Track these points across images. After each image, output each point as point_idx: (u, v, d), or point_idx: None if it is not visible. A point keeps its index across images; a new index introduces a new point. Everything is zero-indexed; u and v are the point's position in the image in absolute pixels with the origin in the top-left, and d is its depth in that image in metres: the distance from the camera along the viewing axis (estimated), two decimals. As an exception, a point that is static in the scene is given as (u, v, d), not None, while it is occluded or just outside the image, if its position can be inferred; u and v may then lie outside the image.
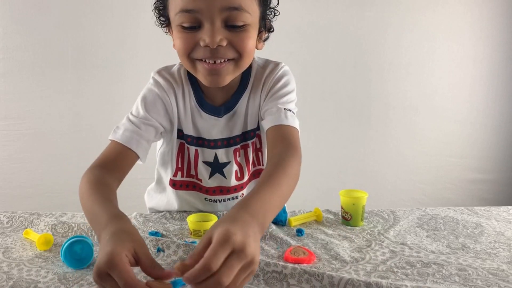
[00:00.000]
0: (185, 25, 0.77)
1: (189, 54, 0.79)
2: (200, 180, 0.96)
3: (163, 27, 0.88)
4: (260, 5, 0.81)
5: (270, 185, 0.67)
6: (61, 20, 1.99)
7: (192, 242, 0.79)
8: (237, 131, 0.94)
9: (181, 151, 0.95)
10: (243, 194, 0.99)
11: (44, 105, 2.03)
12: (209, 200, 0.99)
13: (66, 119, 2.06)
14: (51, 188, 2.08)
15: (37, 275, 0.70)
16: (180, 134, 0.94)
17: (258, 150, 0.98)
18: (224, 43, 0.76)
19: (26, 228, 0.88)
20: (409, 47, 2.28)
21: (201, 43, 0.76)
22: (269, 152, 0.83)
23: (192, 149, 0.94)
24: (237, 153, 0.95)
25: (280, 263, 0.70)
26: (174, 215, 0.97)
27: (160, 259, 0.75)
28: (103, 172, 0.79)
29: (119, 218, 0.64)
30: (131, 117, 0.88)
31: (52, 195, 2.08)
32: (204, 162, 0.94)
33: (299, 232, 0.88)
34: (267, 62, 0.95)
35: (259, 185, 0.67)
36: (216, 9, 0.74)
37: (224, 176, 0.96)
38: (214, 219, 0.87)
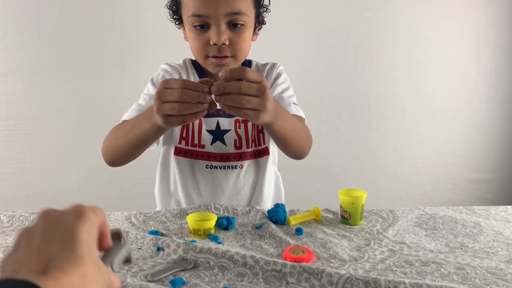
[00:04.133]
0: (196, 24, 0.94)
1: (202, 52, 0.98)
2: (203, 146, 1.07)
3: (176, 24, 1.05)
4: (255, 7, 1.00)
5: (294, 117, 0.95)
6: (61, 20, 1.99)
7: (192, 241, 0.79)
8: None
9: None
10: (242, 165, 1.09)
11: (44, 105, 2.03)
12: (209, 167, 1.07)
13: (66, 119, 2.06)
14: (51, 188, 2.09)
15: (37, 274, 0.70)
16: None
17: (259, 132, 1.09)
18: (227, 42, 0.94)
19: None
20: (409, 47, 2.28)
21: (211, 42, 0.94)
22: None
23: None
24: (238, 124, 1.06)
25: (280, 261, 0.70)
26: (174, 213, 0.97)
27: (160, 258, 0.76)
28: None
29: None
30: (140, 99, 1.03)
31: (53, 195, 2.08)
32: (207, 130, 1.06)
33: (298, 231, 0.88)
34: (265, 62, 1.13)
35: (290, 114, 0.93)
36: (221, 14, 0.92)
37: (224, 143, 1.07)
38: (213, 218, 0.87)
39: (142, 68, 2.02)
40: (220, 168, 1.07)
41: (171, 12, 1.03)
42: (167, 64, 1.10)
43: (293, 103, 1.05)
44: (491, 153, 2.46)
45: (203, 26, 0.94)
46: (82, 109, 2.06)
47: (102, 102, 2.05)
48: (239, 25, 0.95)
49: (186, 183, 1.09)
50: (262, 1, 1.03)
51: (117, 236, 0.51)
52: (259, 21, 1.06)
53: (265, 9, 1.06)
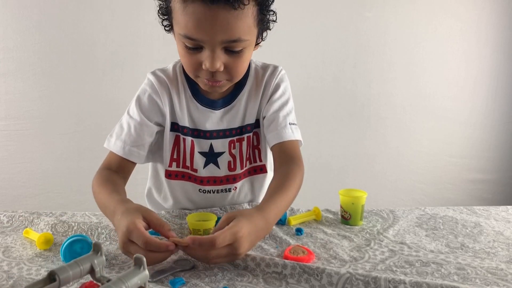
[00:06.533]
0: (189, 45, 0.82)
1: (193, 71, 0.87)
2: (195, 171, 1.00)
3: (165, 29, 0.91)
4: (257, 25, 0.85)
5: (281, 193, 0.82)
6: (61, 20, 1.99)
7: (192, 241, 0.79)
8: (234, 124, 0.99)
9: (176, 143, 1.00)
10: (236, 187, 1.03)
11: (44, 105, 2.03)
12: (203, 191, 1.02)
13: (66, 119, 2.06)
14: (51, 188, 2.09)
15: (37, 274, 0.70)
16: (175, 127, 0.99)
17: (255, 148, 1.02)
18: (222, 68, 0.83)
19: (26, 227, 0.88)
20: (409, 47, 2.28)
21: (203, 66, 0.83)
22: (277, 167, 0.94)
23: (188, 140, 0.98)
24: (232, 144, 1.00)
25: (280, 262, 0.70)
26: (174, 214, 0.97)
27: (159, 258, 0.76)
28: (110, 172, 0.92)
29: (124, 201, 0.77)
30: (124, 122, 0.96)
31: (53, 195, 2.08)
32: (199, 152, 0.99)
33: (299, 231, 0.88)
34: (265, 64, 1.02)
35: (273, 192, 0.82)
36: (217, 42, 0.79)
37: (218, 166, 1.00)
38: (213, 218, 0.87)
39: (142, 68, 2.01)
40: (214, 192, 1.02)
41: (160, 15, 0.89)
42: (154, 75, 0.97)
43: (289, 123, 0.96)
44: (491, 153, 2.46)
45: (196, 48, 0.82)
46: (82, 109, 2.06)
47: (102, 102, 2.05)
48: (236, 52, 0.83)
49: (180, 204, 1.04)
50: (267, 18, 0.87)
51: (139, 261, 0.52)
52: (262, 36, 0.92)
53: (269, 24, 0.90)
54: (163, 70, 0.99)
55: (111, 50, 2.04)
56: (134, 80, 2.01)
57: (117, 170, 0.93)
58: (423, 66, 2.31)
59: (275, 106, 0.97)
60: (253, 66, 1.01)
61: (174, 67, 0.99)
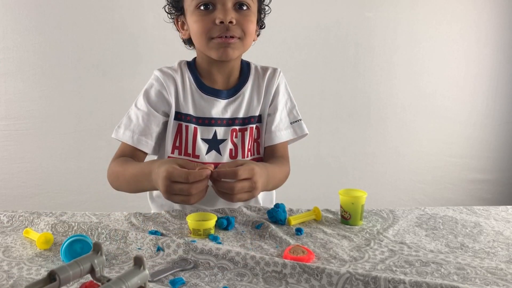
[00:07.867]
0: (201, 4, 0.93)
1: (206, 33, 0.95)
2: (197, 157, 1.04)
3: (174, 17, 1.02)
4: (258, 0, 0.99)
5: (276, 167, 1.00)
6: (61, 20, 1.99)
7: (192, 241, 0.79)
8: (238, 115, 1.05)
9: (179, 131, 1.04)
10: None
11: (44, 105, 2.03)
12: None
13: (66, 119, 2.06)
14: (52, 188, 2.09)
15: (37, 274, 0.70)
16: (178, 116, 1.03)
17: (255, 141, 1.08)
18: (234, 21, 0.93)
19: (26, 227, 0.88)
20: (409, 47, 2.28)
21: (217, 21, 0.92)
22: (267, 159, 1.07)
23: (191, 127, 1.03)
24: (234, 133, 1.05)
25: (280, 262, 0.70)
26: (174, 214, 0.97)
27: (160, 258, 0.76)
28: (125, 157, 0.99)
29: (156, 160, 0.86)
30: (132, 114, 1.02)
31: (53, 195, 2.08)
32: (202, 139, 1.04)
33: (298, 231, 0.88)
34: (264, 66, 1.10)
35: (272, 164, 1.00)
36: None
37: (219, 153, 1.05)
38: (213, 218, 0.87)
39: (142, 68, 2.02)
40: None
41: (170, 4, 1.01)
42: (160, 70, 1.04)
43: (291, 122, 1.08)
44: (491, 153, 2.46)
45: (207, 7, 0.93)
46: (82, 109, 2.06)
47: (102, 102, 2.05)
48: (245, 8, 0.95)
49: None
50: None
51: (139, 261, 0.52)
52: (260, 20, 1.03)
53: (265, 8, 1.04)
54: (168, 67, 1.06)
55: (111, 50, 2.04)
56: (134, 80, 2.03)
57: (131, 157, 0.99)
58: (423, 66, 2.31)
59: (280, 108, 1.06)
60: (253, 66, 1.08)
61: (179, 63, 1.06)
